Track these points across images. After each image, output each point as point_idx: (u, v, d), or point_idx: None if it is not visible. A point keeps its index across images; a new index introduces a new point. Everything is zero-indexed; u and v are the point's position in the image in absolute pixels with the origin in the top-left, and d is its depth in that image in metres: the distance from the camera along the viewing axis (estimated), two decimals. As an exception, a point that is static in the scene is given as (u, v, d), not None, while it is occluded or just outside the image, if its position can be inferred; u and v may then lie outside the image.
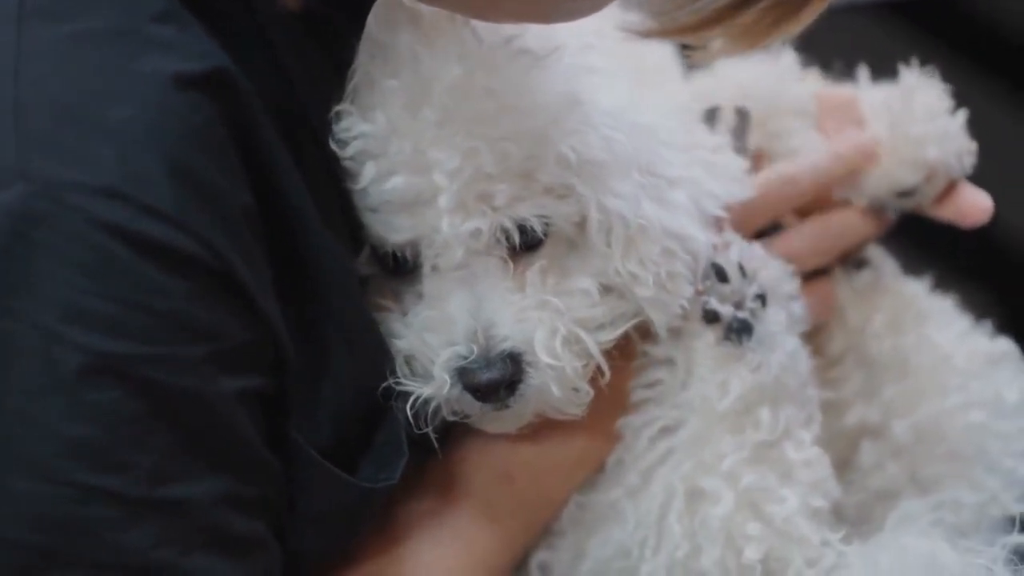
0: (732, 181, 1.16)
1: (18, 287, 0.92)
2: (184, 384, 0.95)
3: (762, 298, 1.13)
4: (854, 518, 1.21)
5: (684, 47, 1.08)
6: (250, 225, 0.99)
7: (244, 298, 0.98)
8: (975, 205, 1.24)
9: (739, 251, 1.14)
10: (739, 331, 1.12)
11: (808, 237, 1.22)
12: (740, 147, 1.21)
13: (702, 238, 1.12)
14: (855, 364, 1.25)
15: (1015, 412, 1.25)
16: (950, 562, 1.09)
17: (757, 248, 1.16)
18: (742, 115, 1.22)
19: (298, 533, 1.04)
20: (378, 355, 1.08)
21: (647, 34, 1.03)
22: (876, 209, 1.24)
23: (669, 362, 1.13)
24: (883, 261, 1.27)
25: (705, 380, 1.12)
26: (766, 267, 1.15)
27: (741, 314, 1.12)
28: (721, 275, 1.12)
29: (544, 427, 1.12)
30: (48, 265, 0.92)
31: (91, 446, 0.93)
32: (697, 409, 1.12)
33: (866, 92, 1.28)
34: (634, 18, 1.03)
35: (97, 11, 0.97)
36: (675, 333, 1.13)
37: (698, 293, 1.12)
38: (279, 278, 1.01)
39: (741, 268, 1.13)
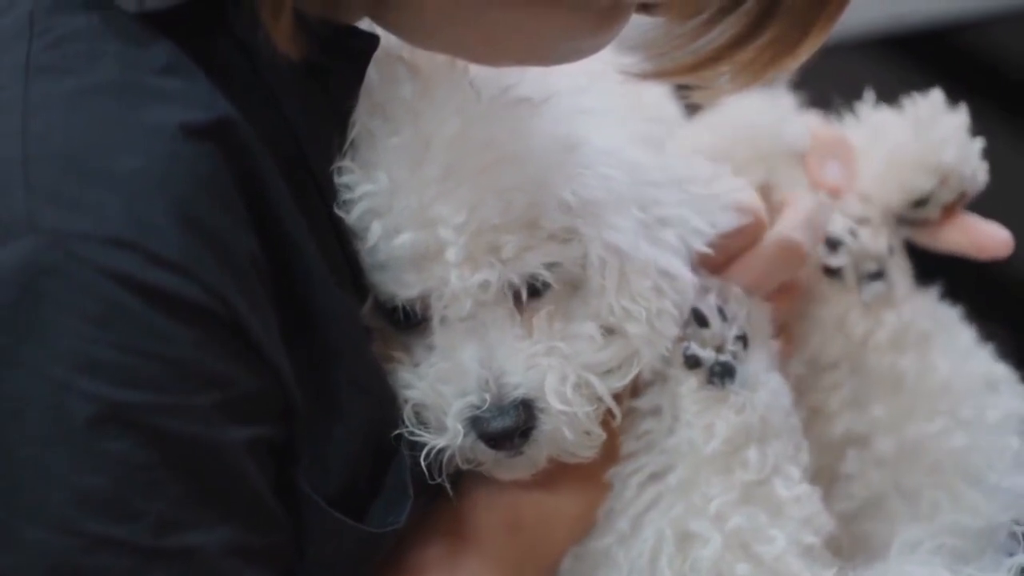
0: (721, 211, 1.16)
1: (29, 337, 0.93)
2: (193, 433, 0.96)
3: (743, 339, 1.14)
4: (845, 537, 1.21)
5: (682, 87, 1.09)
6: (257, 272, 0.99)
7: (252, 347, 0.98)
8: (992, 237, 1.25)
9: (717, 294, 1.15)
10: (721, 374, 1.12)
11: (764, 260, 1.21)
12: None
13: (689, 278, 1.13)
14: (849, 373, 1.26)
15: (997, 429, 1.25)
16: None
17: (736, 289, 1.16)
18: None
19: None
20: (386, 399, 1.09)
21: (646, 75, 1.03)
22: (889, 222, 1.26)
23: (656, 410, 1.14)
24: (899, 275, 1.28)
25: (691, 425, 1.12)
26: (745, 307, 1.16)
27: (723, 357, 1.13)
28: (701, 320, 1.13)
29: (550, 475, 1.13)
30: (58, 315, 0.93)
31: (102, 496, 0.94)
32: (684, 454, 1.12)
33: (876, 114, 1.30)
34: (632, 60, 1.04)
35: (101, 65, 0.98)
36: (661, 381, 1.14)
37: (679, 339, 1.13)
38: (285, 323, 1.02)
39: (721, 311, 1.14)
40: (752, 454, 1.11)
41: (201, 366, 0.96)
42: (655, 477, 1.13)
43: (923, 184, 1.25)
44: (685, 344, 1.13)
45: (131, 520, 0.94)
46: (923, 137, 1.25)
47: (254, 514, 1.00)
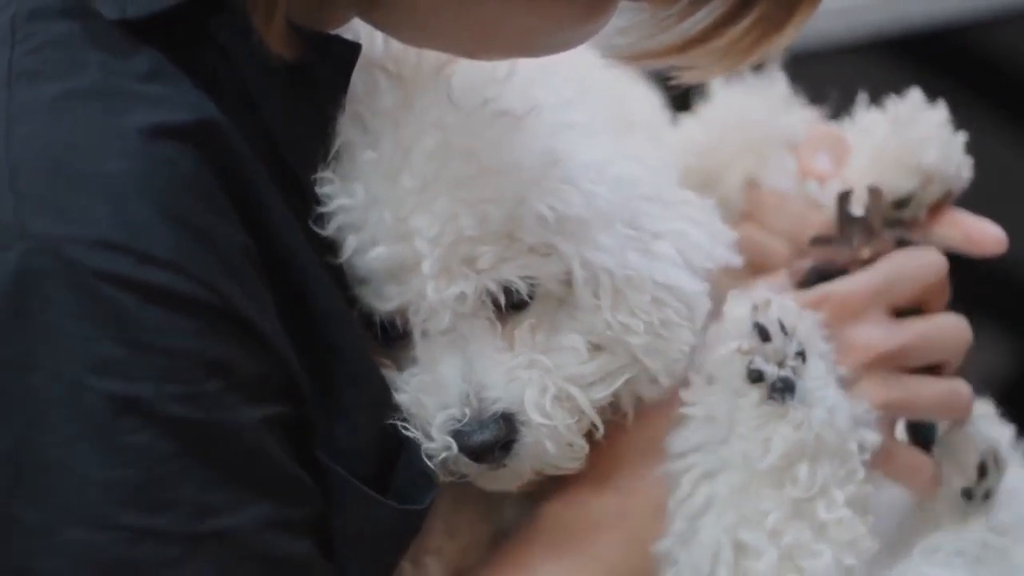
0: (718, 240, 1.16)
1: (35, 342, 0.94)
2: (209, 418, 0.97)
3: (802, 354, 1.12)
4: None
5: (675, 83, 1.08)
6: (250, 264, 1.00)
7: (252, 334, 0.99)
8: (985, 233, 1.23)
9: (778, 308, 1.13)
10: (782, 390, 1.11)
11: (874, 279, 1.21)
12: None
13: (691, 288, 1.12)
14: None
15: None
16: None
17: (790, 302, 1.15)
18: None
19: (340, 557, 1.05)
20: (384, 394, 1.09)
21: (633, 58, 1.03)
22: (883, 239, 1.23)
23: (711, 419, 1.13)
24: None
25: (746, 438, 1.11)
26: (802, 320, 1.14)
27: (784, 373, 1.11)
28: (763, 334, 1.12)
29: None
30: (59, 319, 0.94)
31: (133, 488, 0.95)
32: (737, 465, 1.11)
33: (865, 115, 1.28)
34: (620, 42, 1.04)
35: (83, 72, 0.99)
36: (719, 391, 1.13)
37: (742, 352, 1.12)
38: (286, 319, 1.02)
39: (782, 325, 1.12)
40: (803, 471, 1.10)
41: (204, 354, 0.97)
42: (708, 476, 1.12)
43: (904, 185, 1.22)
44: (750, 358, 1.11)
45: (167, 509, 0.96)
46: (902, 137, 1.23)
47: (283, 487, 1.01)
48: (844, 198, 1.22)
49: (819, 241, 1.22)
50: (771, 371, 1.11)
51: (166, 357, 0.96)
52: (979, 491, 1.21)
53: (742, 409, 1.11)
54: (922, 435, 1.21)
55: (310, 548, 1.02)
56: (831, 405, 1.12)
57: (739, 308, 1.13)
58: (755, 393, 1.11)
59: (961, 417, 1.22)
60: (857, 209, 1.22)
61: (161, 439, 0.95)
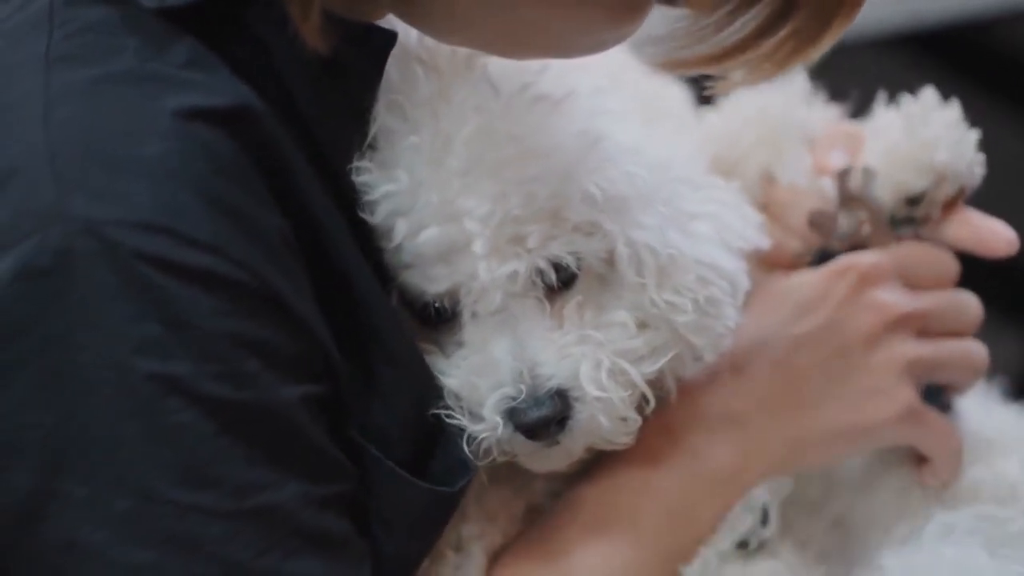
0: (748, 222, 1.18)
1: (78, 322, 0.96)
2: (248, 397, 0.99)
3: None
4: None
5: (702, 80, 1.10)
6: (287, 247, 1.01)
7: (289, 315, 1.01)
8: (996, 234, 1.24)
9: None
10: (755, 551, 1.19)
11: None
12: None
13: (731, 266, 1.14)
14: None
15: None
16: (984, 567, 1.12)
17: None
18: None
19: (375, 537, 1.07)
20: (423, 377, 1.10)
21: (667, 66, 1.05)
22: (882, 220, 1.25)
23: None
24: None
25: None
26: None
27: (755, 544, 1.19)
28: (765, 518, 1.18)
29: (694, 469, 1.17)
30: (102, 300, 0.96)
31: (178, 466, 0.97)
32: None
33: (880, 114, 1.29)
34: (654, 51, 1.05)
35: (120, 56, 1.00)
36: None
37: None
38: (324, 300, 1.04)
39: (765, 511, 1.18)
40: None
41: (243, 335, 0.99)
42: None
43: (916, 183, 1.23)
44: (744, 532, 1.17)
45: (211, 487, 0.98)
46: (915, 136, 1.24)
47: (322, 466, 1.02)
48: (844, 176, 1.24)
49: (819, 217, 1.24)
50: (753, 543, 1.18)
51: (206, 337, 0.97)
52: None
53: (722, 567, 1.17)
54: (932, 403, 1.22)
55: (348, 526, 1.04)
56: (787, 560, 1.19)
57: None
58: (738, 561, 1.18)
59: (977, 378, 1.25)
60: (854, 185, 1.24)
61: (203, 419, 0.97)
